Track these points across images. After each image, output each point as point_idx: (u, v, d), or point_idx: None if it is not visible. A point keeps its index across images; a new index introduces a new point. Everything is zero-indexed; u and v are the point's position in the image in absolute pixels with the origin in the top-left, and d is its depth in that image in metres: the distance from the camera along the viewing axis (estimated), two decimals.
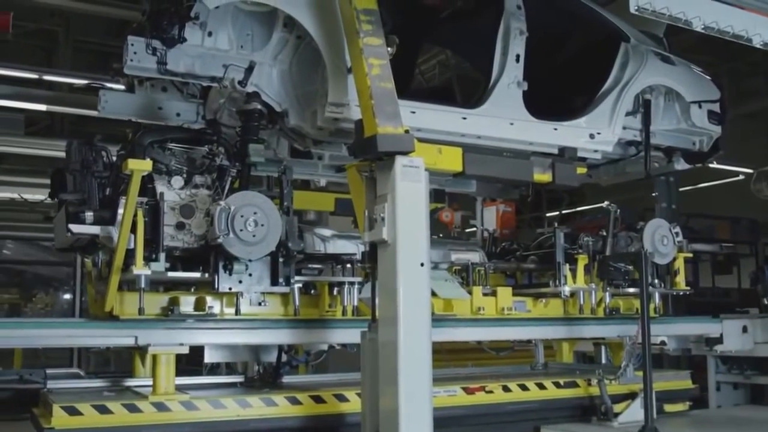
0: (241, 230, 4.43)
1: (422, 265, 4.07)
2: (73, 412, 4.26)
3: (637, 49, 6.16)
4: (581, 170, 5.71)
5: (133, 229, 4.40)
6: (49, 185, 5.04)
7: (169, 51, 4.62)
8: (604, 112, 5.89)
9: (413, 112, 5.07)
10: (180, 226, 4.61)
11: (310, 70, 4.97)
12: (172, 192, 4.66)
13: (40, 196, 12.50)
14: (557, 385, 5.78)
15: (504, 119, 5.46)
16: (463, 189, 6.92)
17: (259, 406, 4.72)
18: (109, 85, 5.55)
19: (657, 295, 6.27)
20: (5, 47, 14.12)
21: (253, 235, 4.46)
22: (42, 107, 10.86)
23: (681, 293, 6.39)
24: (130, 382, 5.21)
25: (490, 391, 5.49)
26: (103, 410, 4.33)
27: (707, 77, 6.62)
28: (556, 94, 6.04)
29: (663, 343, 5.89)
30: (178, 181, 4.71)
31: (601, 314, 6.12)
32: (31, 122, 16.42)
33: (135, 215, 4.40)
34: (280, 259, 4.67)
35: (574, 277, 5.93)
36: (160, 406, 4.46)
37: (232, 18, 4.82)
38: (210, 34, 4.74)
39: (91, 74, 10.15)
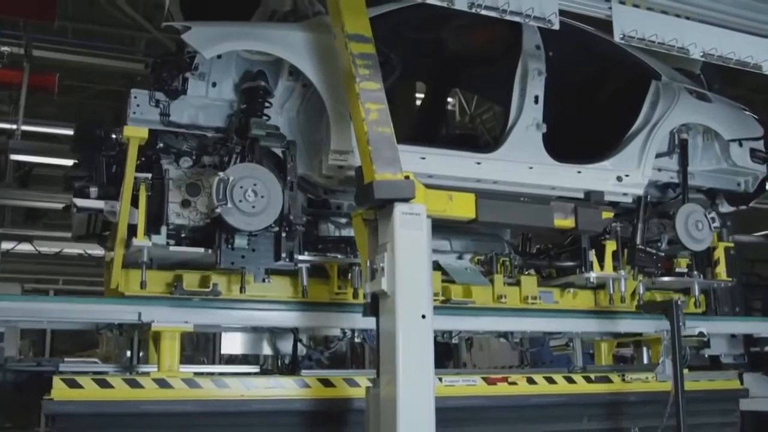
0: (240, 201, 4.37)
1: (423, 317, 3.91)
2: (73, 384, 4.25)
3: (668, 86, 5.89)
4: (607, 215, 5.37)
5: (136, 204, 4.42)
6: None
7: (172, 103, 4.64)
8: (633, 154, 5.62)
9: (423, 158, 4.96)
10: (185, 204, 4.62)
11: (316, 118, 4.93)
12: (178, 170, 4.67)
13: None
14: (588, 379, 5.47)
15: (522, 163, 5.28)
16: None
17: (264, 387, 4.62)
18: None
19: (696, 287, 5.89)
20: (77, 108, 14.78)
21: (253, 206, 4.39)
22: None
23: (722, 284, 5.99)
24: (144, 369, 5.17)
25: (514, 383, 5.23)
26: (103, 384, 4.31)
27: (749, 114, 6.31)
28: (583, 136, 5.80)
29: (701, 334, 5.48)
30: (186, 161, 4.73)
31: (634, 307, 5.78)
32: None
33: (138, 189, 4.43)
34: (283, 234, 4.60)
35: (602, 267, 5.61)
36: (162, 383, 4.41)
37: (237, 68, 4.81)
38: (214, 84, 4.75)
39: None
